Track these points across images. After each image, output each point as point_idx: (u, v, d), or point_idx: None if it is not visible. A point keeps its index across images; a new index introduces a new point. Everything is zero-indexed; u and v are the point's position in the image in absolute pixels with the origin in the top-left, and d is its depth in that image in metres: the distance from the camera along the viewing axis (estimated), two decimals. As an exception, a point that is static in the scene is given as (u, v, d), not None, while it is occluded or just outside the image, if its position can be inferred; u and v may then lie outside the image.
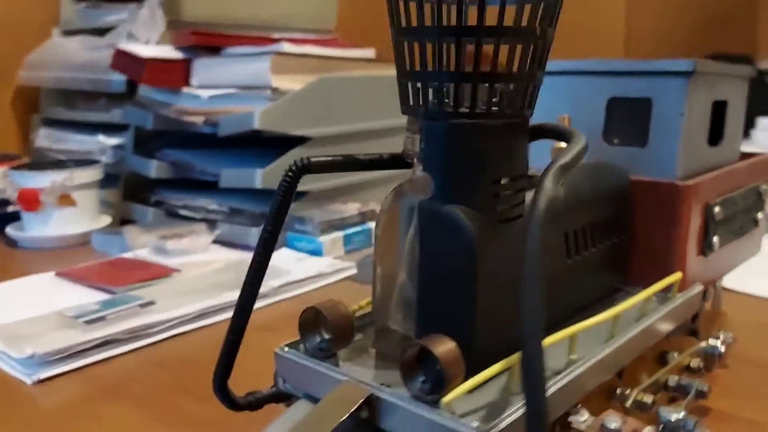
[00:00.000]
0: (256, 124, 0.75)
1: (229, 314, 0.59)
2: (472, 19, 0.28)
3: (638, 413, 0.33)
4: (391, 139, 0.94)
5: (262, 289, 0.62)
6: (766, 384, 0.45)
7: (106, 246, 0.81)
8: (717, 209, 0.42)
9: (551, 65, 0.42)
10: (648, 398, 0.34)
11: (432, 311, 0.31)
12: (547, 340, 0.30)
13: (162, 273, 0.68)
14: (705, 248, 0.41)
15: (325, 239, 0.77)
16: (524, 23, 0.28)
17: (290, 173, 0.31)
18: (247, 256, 0.75)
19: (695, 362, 0.40)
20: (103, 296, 0.63)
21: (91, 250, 0.83)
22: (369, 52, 0.90)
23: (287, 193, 0.32)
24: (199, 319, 0.58)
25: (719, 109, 0.44)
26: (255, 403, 0.36)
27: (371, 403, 0.28)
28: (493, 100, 0.29)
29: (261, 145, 0.87)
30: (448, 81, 0.28)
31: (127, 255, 0.76)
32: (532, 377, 0.21)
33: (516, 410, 0.27)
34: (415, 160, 0.31)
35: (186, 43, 0.85)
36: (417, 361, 0.28)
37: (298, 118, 0.79)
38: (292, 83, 0.80)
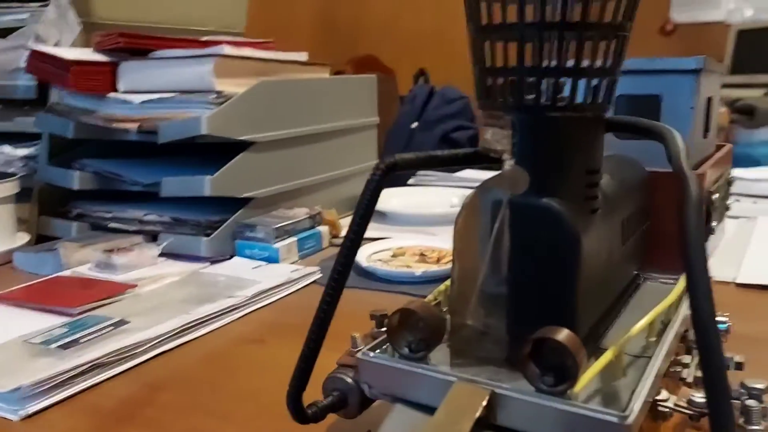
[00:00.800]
0: (204, 129, 0.72)
1: (210, 328, 0.56)
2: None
3: (700, 387, 0.35)
4: (335, 141, 0.93)
5: (236, 300, 0.60)
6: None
7: (35, 265, 0.74)
8: (715, 196, 0.45)
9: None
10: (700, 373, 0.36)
11: (527, 304, 0.31)
12: (637, 326, 0.32)
13: (117, 290, 0.63)
14: (708, 233, 0.45)
15: (280, 245, 0.75)
16: (609, 20, 0.29)
17: (379, 171, 0.31)
18: (199, 268, 0.72)
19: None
20: (58, 319, 0.57)
21: (13, 271, 0.75)
22: (303, 55, 0.89)
23: (376, 192, 0.31)
24: (181, 335, 0.54)
25: (708, 104, 0.48)
26: (319, 413, 0.35)
27: (490, 401, 0.28)
28: (586, 94, 0.29)
29: (191, 152, 0.83)
30: (551, 76, 0.29)
31: (65, 273, 0.70)
32: (715, 361, 0.23)
33: (639, 394, 0.28)
34: (505, 155, 0.31)
35: (112, 45, 0.79)
36: (531, 354, 0.28)
37: (243, 123, 0.76)
38: (235, 87, 0.77)
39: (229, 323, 0.59)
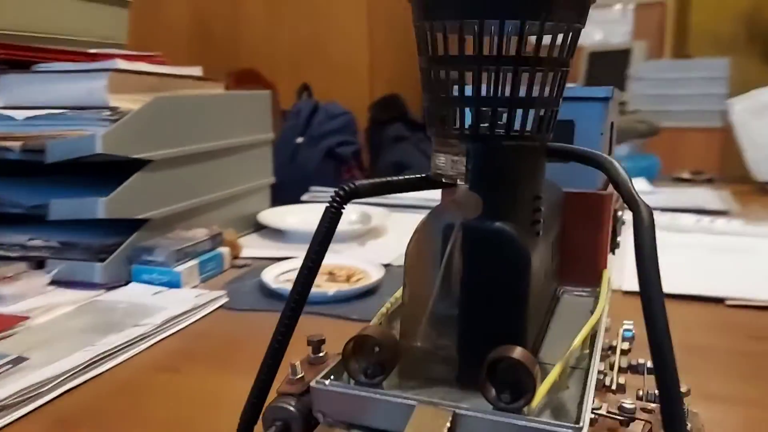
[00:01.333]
0: (99, 148, 0.68)
1: (120, 359, 0.53)
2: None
3: (622, 393, 0.38)
4: (230, 159, 0.91)
5: (145, 329, 0.58)
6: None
7: None
8: (620, 213, 0.49)
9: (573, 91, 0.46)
10: (622, 379, 0.39)
11: (477, 324, 0.32)
12: (577, 340, 0.34)
13: (8, 323, 0.58)
14: (614, 248, 0.48)
15: (181, 269, 0.72)
16: (555, 55, 0.31)
17: (338, 198, 0.31)
18: (94, 296, 0.68)
19: (624, 345, 0.46)
20: (-59, 358, 0.52)
21: None
22: (197, 70, 0.86)
23: (335, 219, 0.31)
24: (90, 368, 0.51)
25: (611, 129, 0.51)
26: (270, 444, 0.34)
27: (452, 422, 0.29)
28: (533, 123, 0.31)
29: (75, 171, 0.78)
30: (506, 106, 0.30)
31: (-60, 307, 0.64)
32: (670, 375, 0.24)
33: (586, 405, 0.30)
34: (459, 180, 0.32)
35: (-11, 56, 0.73)
36: (488, 373, 0.29)
37: (139, 140, 0.73)
38: (129, 103, 0.73)
39: (138, 353, 0.56)
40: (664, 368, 0.25)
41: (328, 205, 0.31)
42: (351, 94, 2.43)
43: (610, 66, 3.70)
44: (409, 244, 0.34)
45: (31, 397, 0.46)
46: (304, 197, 1.17)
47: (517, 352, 0.29)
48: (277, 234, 0.94)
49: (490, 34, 0.30)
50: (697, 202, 1.23)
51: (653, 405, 0.36)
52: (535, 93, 0.30)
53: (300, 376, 0.38)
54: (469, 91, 0.30)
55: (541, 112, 0.31)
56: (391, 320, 0.39)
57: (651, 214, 0.27)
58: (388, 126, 2.35)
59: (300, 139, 1.69)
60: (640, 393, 0.40)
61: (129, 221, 0.74)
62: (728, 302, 0.68)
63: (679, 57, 3.86)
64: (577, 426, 0.28)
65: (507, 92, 0.30)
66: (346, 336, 0.61)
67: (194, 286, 0.73)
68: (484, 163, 0.31)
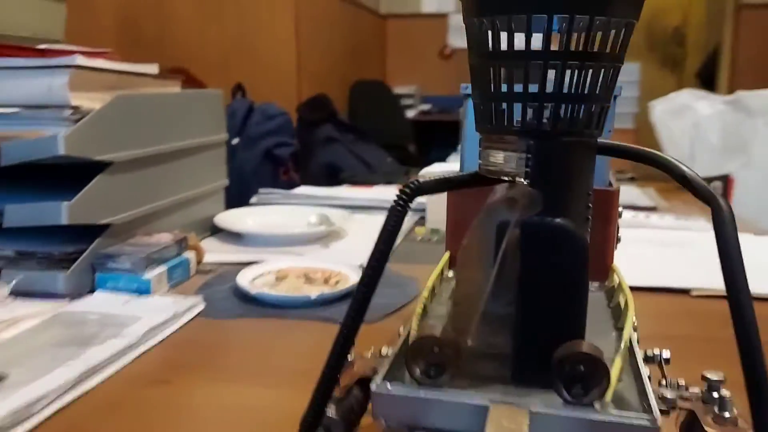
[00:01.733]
0: (62, 149, 0.64)
1: (104, 374, 0.50)
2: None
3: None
4: (189, 160, 0.87)
5: (129, 340, 0.55)
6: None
7: None
8: (620, 208, 0.50)
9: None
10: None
11: (536, 321, 0.32)
12: (626, 333, 0.34)
13: (-28, 339, 0.54)
14: (617, 242, 0.49)
15: (150, 276, 0.68)
16: (616, 50, 0.31)
17: (404, 196, 0.30)
18: (58, 307, 0.64)
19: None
20: None
21: None
22: (153, 68, 0.82)
23: (400, 218, 0.30)
24: (77, 385, 0.48)
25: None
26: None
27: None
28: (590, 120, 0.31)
29: (28, 175, 0.73)
30: (569, 102, 0.30)
31: None
32: (760, 369, 0.25)
33: (650, 395, 0.30)
34: (519, 177, 0.31)
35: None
36: (557, 369, 0.29)
37: (101, 141, 0.69)
38: (89, 102, 0.69)
39: (125, 366, 0.53)
40: (753, 361, 0.26)
41: (393, 203, 0.30)
42: (280, 94, 2.40)
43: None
44: (461, 246, 0.33)
45: (19, 420, 0.42)
46: (252, 200, 1.14)
47: (587, 347, 0.30)
48: (234, 237, 0.91)
49: (554, 29, 0.29)
50: (627, 199, 1.28)
51: (688, 393, 0.36)
52: (592, 89, 0.31)
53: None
54: (534, 87, 0.30)
55: (596, 108, 0.31)
56: (424, 320, 0.38)
57: (731, 210, 0.27)
58: (317, 127, 2.34)
59: (236, 141, 1.65)
60: (663, 382, 0.41)
61: (87, 227, 0.70)
62: (694, 293, 0.72)
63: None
64: (653, 417, 0.28)
65: (571, 88, 0.30)
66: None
67: (164, 294, 0.69)
68: (545, 159, 0.31)
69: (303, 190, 1.27)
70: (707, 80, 4.49)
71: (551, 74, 0.30)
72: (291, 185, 1.46)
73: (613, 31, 0.31)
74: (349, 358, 0.39)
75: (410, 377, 0.31)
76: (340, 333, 0.31)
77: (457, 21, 4.19)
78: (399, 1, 4.16)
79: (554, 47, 0.29)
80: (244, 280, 0.69)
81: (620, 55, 0.31)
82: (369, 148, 2.40)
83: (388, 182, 1.49)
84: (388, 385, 0.31)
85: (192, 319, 0.63)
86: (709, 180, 1.52)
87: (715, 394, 0.35)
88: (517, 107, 0.31)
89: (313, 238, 0.90)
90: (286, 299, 0.65)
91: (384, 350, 0.44)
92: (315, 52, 2.94)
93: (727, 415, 0.33)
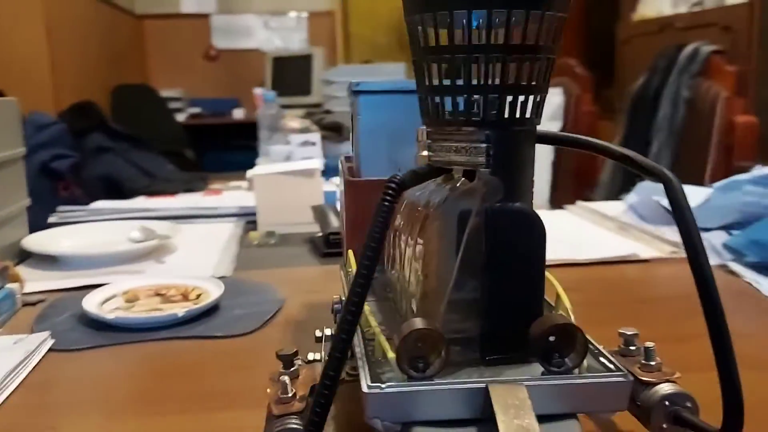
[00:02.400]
0: None
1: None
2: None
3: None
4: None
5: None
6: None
7: None
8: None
9: (374, 85, 0.47)
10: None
11: (502, 301, 0.34)
12: (568, 305, 0.37)
13: None
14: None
15: (-25, 315, 0.59)
16: (551, 44, 0.34)
17: (391, 192, 0.29)
18: None
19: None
20: None
21: None
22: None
23: (388, 214, 0.30)
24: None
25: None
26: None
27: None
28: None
29: None
30: (521, 93, 0.32)
31: None
32: (716, 309, 0.29)
33: (607, 357, 0.33)
34: (480, 167, 0.33)
35: None
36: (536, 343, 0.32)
37: None
38: None
39: (-10, 419, 0.45)
40: (712, 304, 0.30)
41: (381, 200, 0.30)
42: (35, 101, 2.16)
43: (295, 70, 3.87)
44: (424, 237, 0.34)
45: None
46: (52, 219, 1.03)
47: (560, 319, 0.32)
48: (49, 262, 0.81)
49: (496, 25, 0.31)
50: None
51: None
52: (539, 79, 0.33)
53: (292, 393, 0.35)
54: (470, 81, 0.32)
55: (540, 98, 0.34)
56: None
57: (679, 181, 0.31)
58: (85, 136, 2.15)
59: (4, 156, 1.46)
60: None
61: None
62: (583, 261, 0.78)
63: (349, 63, 4.20)
64: (625, 372, 0.31)
65: (520, 80, 0.32)
66: (221, 354, 0.58)
67: (-9, 334, 0.60)
68: (504, 149, 0.33)
69: (104, 204, 1.17)
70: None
71: (501, 68, 0.31)
72: (73, 201, 1.32)
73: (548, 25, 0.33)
74: (294, 368, 0.38)
75: (401, 373, 0.31)
76: (338, 338, 0.30)
77: (220, 22, 4.11)
78: (156, 1, 3.96)
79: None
80: (92, 306, 0.62)
81: (555, 48, 0.34)
82: (147, 156, 2.26)
83: (188, 190, 1.43)
84: (383, 386, 0.31)
85: (43, 357, 0.55)
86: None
87: (633, 348, 0.40)
88: (483, 100, 0.32)
89: (143, 253, 0.84)
90: (152, 320, 0.60)
91: (311, 356, 0.43)
92: (71, 55, 2.70)
93: (653, 363, 0.38)
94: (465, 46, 0.31)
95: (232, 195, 1.25)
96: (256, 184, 0.98)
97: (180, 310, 0.61)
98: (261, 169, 1.02)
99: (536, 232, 0.33)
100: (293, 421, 0.34)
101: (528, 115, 0.33)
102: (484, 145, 0.32)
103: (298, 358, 0.38)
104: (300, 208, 0.97)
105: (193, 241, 0.92)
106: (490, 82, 0.32)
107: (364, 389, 0.31)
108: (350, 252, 0.47)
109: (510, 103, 0.32)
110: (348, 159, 0.53)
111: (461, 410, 0.31)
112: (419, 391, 0.31)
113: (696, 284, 0.30)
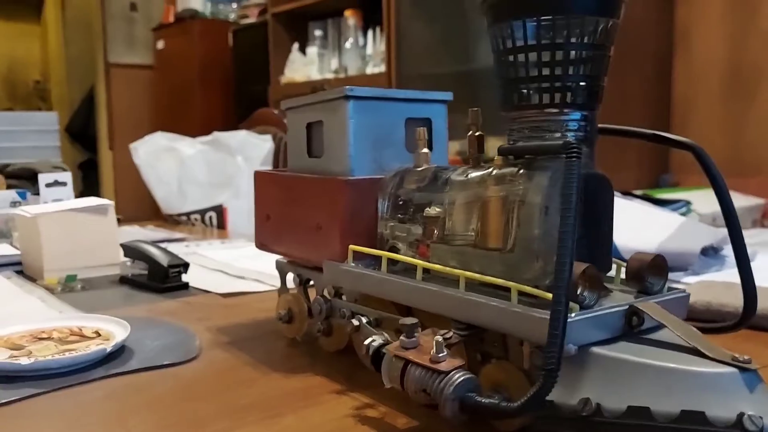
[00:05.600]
0: None
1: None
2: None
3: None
4: None
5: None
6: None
7: None
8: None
9: (364, 92, 0.52)
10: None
11: (595, 247, 0.42)
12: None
13: None
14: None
15: None
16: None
17: (578, 150, 0.36)
18: None
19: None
20: None
21: None
22: None
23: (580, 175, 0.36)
24: None
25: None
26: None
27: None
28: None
29: None
30: (599, 81, 0.42)
31: None
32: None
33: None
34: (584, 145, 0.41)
35: None
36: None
37: None
38: None
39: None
40: (736, 231, 0.43)
41: (568, 158, 0.35)
42: None
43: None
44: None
45: None
46: None
47: (650, 254, 0.42)
48: None
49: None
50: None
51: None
52: (604, 71, 0.43)
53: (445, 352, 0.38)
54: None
55: (601, 86, 0.43)
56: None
57: (705, 151, 0.44)
58: None
59: None
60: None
61: None
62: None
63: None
64: (684, 290, 0.43)
65: (601, 71, 0.42)
66: (176, 385, 0.52)
67: None
68: (592, 126, 0.42)
69: None
70: (79, 133, 4.62)
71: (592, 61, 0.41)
72: None
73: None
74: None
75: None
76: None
77: None
78: None
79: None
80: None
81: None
82: None
83: None
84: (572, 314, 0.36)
85: None
86: (204, 211, 1.67)
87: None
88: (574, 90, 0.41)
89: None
90: (82, 359, 0.51)
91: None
92: None
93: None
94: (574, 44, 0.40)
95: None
96: (41, 224, 0.85)
97: (109, 343, 0.53)
98: (37, 208, 0.89)
99: (612, 192, 0.43)
100: (464, 373, 0.37)
101: (599, 100, 0.43)
102: (579, 123, 0.41)
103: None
104: (95, 249, 0.88)
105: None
106: (589, 72, 0.41)
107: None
108: (351, 247, 0.50)
109: (595, 89, 0.42)
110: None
111: (615, 330, 0.38)
112: (590, 317, 0.37)
113: (726, 225, 0.43)
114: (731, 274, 0.77)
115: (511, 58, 0.42)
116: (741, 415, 0.32)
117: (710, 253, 0.83)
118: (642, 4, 2.03)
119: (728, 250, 0.84)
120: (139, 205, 2.56)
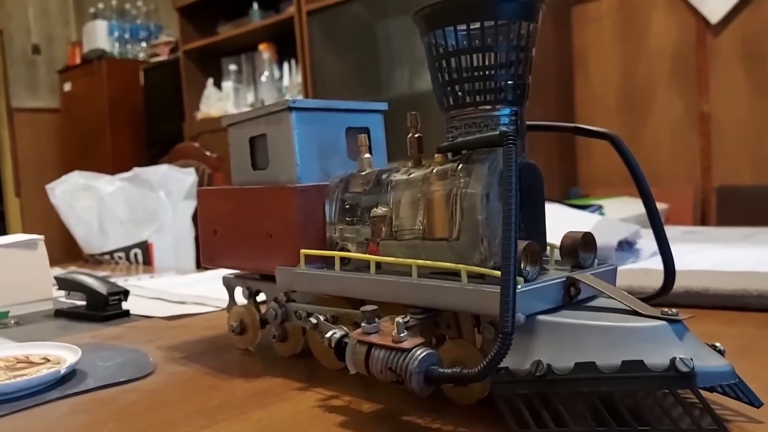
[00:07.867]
0: None
1: None
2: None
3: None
4: None
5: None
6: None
7: None
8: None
9: (306, 103, 0.56)
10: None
11: (532, 227, 0.46)
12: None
13: None
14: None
15: None
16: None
17: (514, 138, 0.40)
18: None
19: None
20: None
21: None
22: None
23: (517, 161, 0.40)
24: None
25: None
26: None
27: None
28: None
29: None
30: (525, 78, 0.46)
31: None
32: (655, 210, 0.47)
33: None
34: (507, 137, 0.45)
35: None
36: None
37: None
38: None
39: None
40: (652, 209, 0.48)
41: (506, 149, 0.39)
42: None
43: None
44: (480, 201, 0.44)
45: None
46: None
47: (580, 232, 0.47)
48: None
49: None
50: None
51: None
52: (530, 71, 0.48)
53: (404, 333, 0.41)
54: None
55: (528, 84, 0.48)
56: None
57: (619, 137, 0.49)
58: None
59: None
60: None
61: None
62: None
63: None
64: (613, 263, 0.48)
65: (527, 70, 0.46)
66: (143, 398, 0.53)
67: None
68: (521, 120, 0.46)
69: None
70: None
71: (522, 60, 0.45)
72: None
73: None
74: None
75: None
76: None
77: None
78: None
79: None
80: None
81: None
82: None
83: None
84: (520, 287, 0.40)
85: None
86: (128, 248, 1.64)
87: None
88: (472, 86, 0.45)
89: None
90: (30, 383, 0.51)
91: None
92: None
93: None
94: (503, 45, 0.44)
95: None
96: (-33, 262, 0.83)
97: (55, 367, 0.53)
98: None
99: (542, 179, 0.47)
100: (426, 348, 0.40)
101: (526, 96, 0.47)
102: (509, 118, 0.46)
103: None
104: (26, 284, 0.86)
105: None
106: (519, 71, 0.45)
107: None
108: (302, 252, 0.52)
109: (522, 86, 0.46)
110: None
111: (556, 300, 0.42)
112: (534, 288, 0.41)
113: (643, 204, 0.48)
114: (647, 264, 0.84)
115: (444, 62, 0.46)
116: (674, 359, 0.36)
117: (625, 247, 0.90)
118: (542, 30, 2.16)
119: (641, 243, 0.91)
120: (54, 248, 2.47)
